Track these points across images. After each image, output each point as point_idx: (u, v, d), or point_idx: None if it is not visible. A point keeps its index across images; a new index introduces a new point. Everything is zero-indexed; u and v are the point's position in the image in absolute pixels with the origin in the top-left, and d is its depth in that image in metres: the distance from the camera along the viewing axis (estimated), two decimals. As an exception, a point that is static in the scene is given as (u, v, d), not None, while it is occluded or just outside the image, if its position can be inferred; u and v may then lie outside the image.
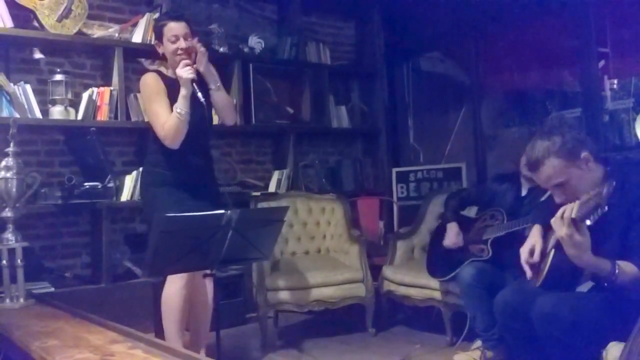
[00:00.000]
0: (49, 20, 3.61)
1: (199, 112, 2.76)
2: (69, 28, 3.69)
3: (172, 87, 2.77)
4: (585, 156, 2.05)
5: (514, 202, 3.13)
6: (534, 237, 2.32)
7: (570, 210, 1.91)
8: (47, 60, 3.83)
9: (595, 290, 2.12)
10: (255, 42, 4.63)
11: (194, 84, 2.72)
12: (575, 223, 1.89)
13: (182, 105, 2.70)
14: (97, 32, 3.91)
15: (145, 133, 3.88)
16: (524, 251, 2.28)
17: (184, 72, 2.70)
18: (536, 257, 2.23)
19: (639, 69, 4.76)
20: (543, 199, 3.01)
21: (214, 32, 4.41)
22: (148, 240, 2.39)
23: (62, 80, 3.65)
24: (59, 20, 3.64)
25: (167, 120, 2.70)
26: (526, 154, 2.16)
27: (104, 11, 4.05)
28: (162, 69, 2.90)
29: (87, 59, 3.99)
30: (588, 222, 1.88)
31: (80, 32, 3.77)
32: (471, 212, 3.42)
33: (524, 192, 3.15)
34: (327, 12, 5.22)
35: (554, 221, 1.96)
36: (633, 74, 5.14)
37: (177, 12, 3.05)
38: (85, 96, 3.73)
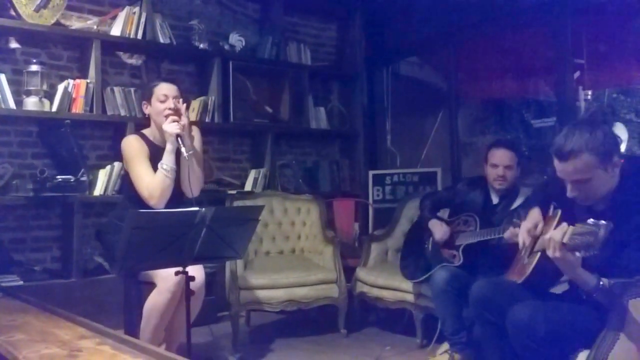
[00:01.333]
0: (26, 9, 3.55)
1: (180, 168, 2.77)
2: (47, 18, 3.64)
3: (154, 151, 2.79)
4: (616, 161, 2.01)
5: (486, 210, 3.15)
6: (537, 217, 2.30)
7: (562, 234, 1.89)
8: (23, 50, 3.77)
9: (569, 293, 2.17)
10: (236, 40, 4.62)
11: (179, 139, 2.73)
12: (566, 246, 1.89)
13: (167, 160, 2.71)
14: (76, 23, 3.87)
15: (120, 127, 3.87)
16: (528, 223, 2.26)
17: (171, 126, 2.72)
18: (539, 231, 2.22)
19: (613, 81, 4.86)
20: (515, 206, 3.06)
21: (195, 28, 4.39)
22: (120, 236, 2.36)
23: (37, 71, 3.60)
24: (37, 10, 3.59)
25: (151, 180, 2.70)
26: (559, 140, 2.04)
27: (83, 3, 4.00)
28: (145, 132, 2.90)
29: (64, 50, 3.94)
30: (578, 254, 1.87)
31: (58, 23, 3.72)
32: (444, 214, 3.44)
33: (495, 201, 3.17)
34: (309, 13, 5.23)
35: (547, 239, 1.94)
36: (607, 85, 5.25)
37: (169, 76, 3.02)
38: (60, 88, 3.68)
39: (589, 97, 5.28)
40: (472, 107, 5.00)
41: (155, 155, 2.78)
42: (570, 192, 2.07)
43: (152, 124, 2.89)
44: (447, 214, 3.42)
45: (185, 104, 2.89)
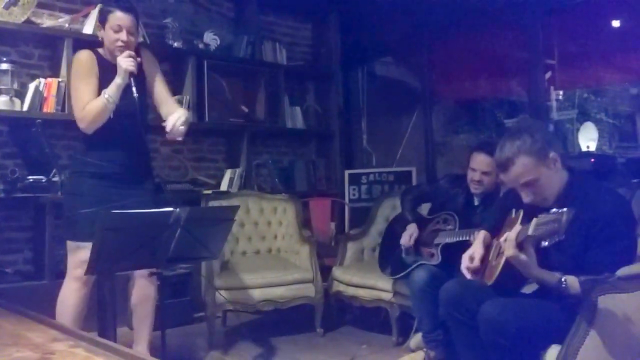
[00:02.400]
0: (-5, 7, 3.49)
1: (130, 105, 2.64)
2: (17, 16, 3.57)
3: (106, 71, 2.67)
4: (553, 156, 2.11)
5: (467, 210, 3.13)
6: (477, 244, 2.43)
7: (516, 234, 1.99)
8: (-8, 48, 3.70)
9: (539, 292, 2.22)
10: (211, 39, 4.59)
11: (132, 79, 2.63)
12: (520, 245, 1.98)
13: (112, 92, 2.60)
14: (47, 21, 3.81)
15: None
16: (464, 257, 2.40)
17: (126, 62, 2.60)
18: (475, 263, 2.35)
19: (584, 82, 4.96)
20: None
21: (169, 27, 4.36)
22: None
23: (7, 70, 3.53)
24: (6, 7, 3.53)
25: (90, 102, 2.60)
26: (496, 154, 2.18)
27: (55, 0, 3.94)
28: (100, 51, 2.77)
29: (35, 48, 3.87)
30: (545, 244, 1.94)
31: (28, 21, 3.66)
32: (425, 210, 3.43)
33: (476, 202, 3.15)
34: (285, 12, 5.23)
35: (503, 240, 2.05)
36: (577, 86, 5.36)
37: (128, 2, 2.81)
38: (31, 87, 3.62)
39: (560, 97, 5.38)
40: (446, 107, 5.06)
41: (107, 74, 2.65)
42: (525, 198, 2.16)
43: (105, 46, 2.75)
44: (429, 210, 3.40)
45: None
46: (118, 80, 2.61)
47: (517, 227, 2.05)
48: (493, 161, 3.00)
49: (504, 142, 2.15)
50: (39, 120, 3.52)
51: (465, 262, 2.38)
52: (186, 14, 4.60)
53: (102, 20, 2.71)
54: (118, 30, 2.66)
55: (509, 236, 2.03)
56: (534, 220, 1.96)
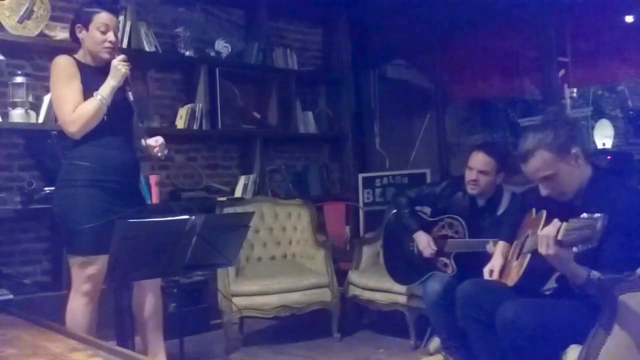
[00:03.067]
0: (9, 21, 3.53)
1: (124, 109, 2.65)
2: (31, 29, 3.62)
3: (86, 74, 2.62)
4: (575, 152, 2.08)
5: (473, 215, 3.06)
6: (496, 257, 2.44)
7: (556, 230, 1.90)
8: (7, 62, 3.73)
9: (557, 292, 2.20)
10: (222, 47, 4.61)
11: (127, 86, 2.63)
12: (560, 242, 1.90)
13: (106, 94, 2.55)
14: (60, 34, 3.84)
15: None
16: (485, 272, 2.43)
17: (122, 65, 2.59)
18: (495, 276, 2.37)
19: (598, 79, 4.91)
20: (500, 211, 3.00)
21: (180, 36, 4.39)
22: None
23: (22, 83, 3.57)
24: (20, 21, 3.57)
25: (79, 104, 2.53)
26: (518, 146, 2.17)
27: (67, 13, 3.95)
28: (77, 55, 2.70)
29: (49, 61, 3.85)
30: (575, 250, 1.88)
31: (42, 34, 3.70)
32: (425, 210, 3.35)
33: (480, 204, 3.08)
34: (295, 18, 5.24)
35: (541, 236, 1.95)
36: (591, 83, 5.30)
37: (113, 3, 2.76)
38: (46, 99, 3.65)
39: (574, 94, 5.32)
40: (458, 108, 5.03)
41: (88, 77, 2.59)
42: (543, 191, 2.15)
43: (84, 48, 2.68)
44: (430, 212, 3.31)
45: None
46: (113, 83, 2.58)
47: (557, 222, 1.93)
48: (492, 161, 2.96)
49: (528, 133, 2.14)
50: (54, 132, 3.55)
51: (485, 276, 2.41)
52: (197, 23, 4.62)
53: (84, 21, 2.63)
54: (105, 30, 2.61)
55: (549, 232, 1.91)
56: (564, 225, 1.88)
